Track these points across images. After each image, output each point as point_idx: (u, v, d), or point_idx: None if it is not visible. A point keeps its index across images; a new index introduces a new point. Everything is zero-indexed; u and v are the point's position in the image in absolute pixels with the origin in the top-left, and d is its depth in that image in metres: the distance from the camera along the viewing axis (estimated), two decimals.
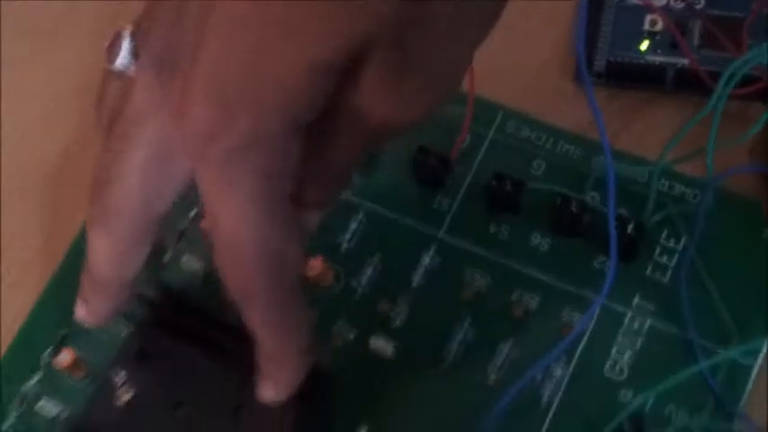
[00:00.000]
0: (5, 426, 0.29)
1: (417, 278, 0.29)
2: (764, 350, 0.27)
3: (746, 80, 0.29)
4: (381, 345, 0.28)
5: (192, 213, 0.31)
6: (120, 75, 0.25)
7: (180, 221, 0.31)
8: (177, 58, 0.23)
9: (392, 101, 0.21)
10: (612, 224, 0.27)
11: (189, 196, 0.28)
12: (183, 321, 0.29)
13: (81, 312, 0.27)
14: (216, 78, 0.21)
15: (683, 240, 0.28)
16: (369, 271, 0.29)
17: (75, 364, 0.30)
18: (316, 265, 0.29)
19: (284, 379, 0.25)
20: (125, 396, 0.28)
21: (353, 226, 0.30)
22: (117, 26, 0.25)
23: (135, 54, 0.25)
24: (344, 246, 0.30)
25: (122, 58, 0.25)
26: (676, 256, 0.28)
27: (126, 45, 0.24)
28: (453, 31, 0.21)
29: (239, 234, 0.22)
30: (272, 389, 0.25)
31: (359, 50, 0.20)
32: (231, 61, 0.21)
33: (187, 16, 0.23)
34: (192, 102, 0.21)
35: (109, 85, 0.25)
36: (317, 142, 0.23)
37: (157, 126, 0.24)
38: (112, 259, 0.25)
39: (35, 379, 0.30)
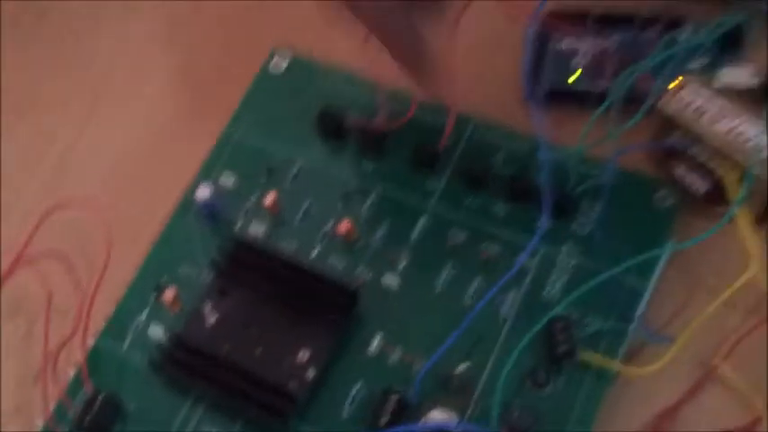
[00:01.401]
0: (125, 345, 0.39)
1: (415, 235, 0.39)
2: (656, 273, 0.37)
3: (634, 97, 0.38)
4: (390, 281, 0.39)
5: (255, 196, 0.41)
6: None
7: (247, 203, 0.41)
8: None
9: None
10: (547, 194, 0.36)
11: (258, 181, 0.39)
12: (252, 262, 0.38)
13: None
14: None
15: (598, 204, 0.38)
16: (381, 231, 0.39)
17: (175, 300, 0.39)
18: (346, 225, 0.39)
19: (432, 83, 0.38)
20: (211, 319, 0.39)
21: (369, 201, 0.40)
22: None
23: None
24: (364, 214, 0.40)
25: None
26: (593, 216, 0.38)
27: None
28: None
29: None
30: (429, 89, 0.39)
31: None
32: None
33: None
34: None
35: None
36: None
37: None
38: None
39: (146, 312, 0.40)
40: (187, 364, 0.37)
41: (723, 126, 0.37)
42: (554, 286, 0.38)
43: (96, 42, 0.48)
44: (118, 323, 0.40)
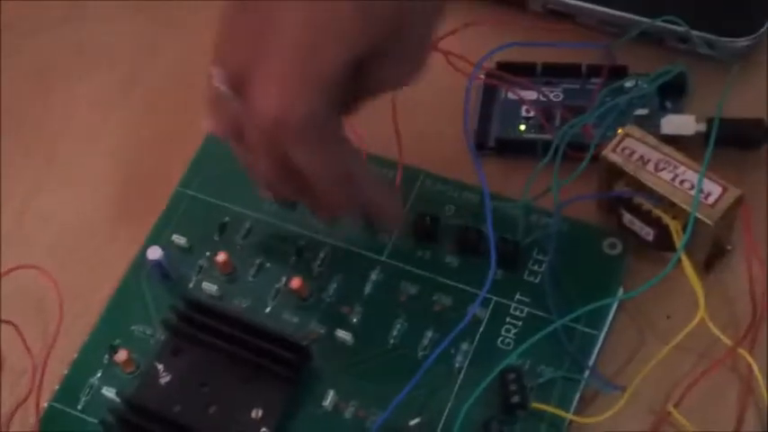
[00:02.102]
0: (79, 407, 0.39)
1: (368, 289, 0.39)
2: (606, 325, 0.38)
3: (580, 146, 0.40)
4: (343, 335, 0.39)
5: (208, 254, 0.41)
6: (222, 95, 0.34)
7: (199, 261, 0.41)
8: (248, 72, 0.32)
9: (400, 74, 0.33)
10: (493, 245, 0.37)
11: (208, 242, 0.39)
12: (204, 321, 0.38)
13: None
14: (281, 78, 0.31)
15: (549, 254, 0.39)
16: (334, 285, 0.40)
17: (128, 360, 0.39)
18: (298, 281, 0.39)
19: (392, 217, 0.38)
20: (164, 379, 0.38)
21: (322, 255, 0.40)
22: None
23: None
24: (316, 269, 0.40)
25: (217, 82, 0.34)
26: (543, 264, 0.39)
27: (216, 73, 0.34)
28: (425, 25, 0.33)
29: (326, 175, 0.34)
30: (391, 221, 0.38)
31: (371, 51, 0.31)
32: (288, 68, 0.31)
33: (248, 35, 0.32)
34: (260, 99, 0.31)
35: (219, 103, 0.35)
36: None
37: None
38: None
39: (99, 373, 0.39)
40: (140, 426, 0.37)
41: (666, 174, 0.37)
42: (506, 336, 0.38)
43: (47, 104, 0.48)
44: (71, 385, 0.39)
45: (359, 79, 0.33)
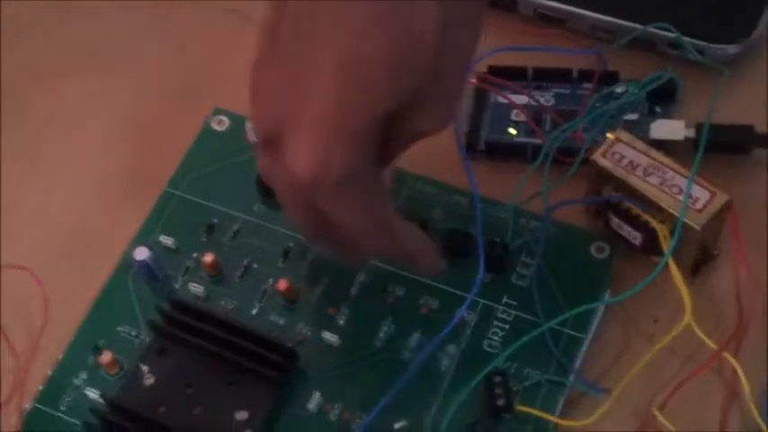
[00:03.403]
0: (62, 408, 0.38)
1: (354, 291, 0.39)
2: (592, 329, 0.38)
3: (570, 150, 0.40)
4: (330, 337, 0.38)
5: (195, 254, 0.41)
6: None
7: (187, 261, 0.41)
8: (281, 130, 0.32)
9: (433, 122, 0.33)
10: (481, 248, 0.37)
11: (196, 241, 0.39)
12: (190, 323, 0.38)
13: None
14: (315, 136, 0.31)
15: (537, 257, 0.39)
16: (321, 287, 0.40)
17: (113, 361, 0.39)
18: (285, 283, 0.39)
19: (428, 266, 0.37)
20: (149, 380, 0.38)
21: (309, 257, 0.40)
22: None
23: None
24: (304, 270, 0.40)
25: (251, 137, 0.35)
26: (531, 268, 0.39)
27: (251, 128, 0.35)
28: (459, 73, 0.33)
29: (366, 233, 0.34)
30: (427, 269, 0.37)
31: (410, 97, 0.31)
32: (323, 128, 0.31)
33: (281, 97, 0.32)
34: (296, 156, 0.32)
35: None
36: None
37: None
38: None
39: (83, 374, 0.39)
40: (123, 428, 0.37)
41: (655, 179, 0.37)
42: (493, 339, 0.38)
43: (34, 103, 0.48)
44: (55, 386, 0.39)
45: (394, 130, 0.33)
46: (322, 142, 0.31)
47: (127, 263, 0.41)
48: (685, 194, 0.37)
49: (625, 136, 0.39)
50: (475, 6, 0.33)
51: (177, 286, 0.40)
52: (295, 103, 0.32)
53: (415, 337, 0.38)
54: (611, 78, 0.43)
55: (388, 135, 0.33)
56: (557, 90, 0.44)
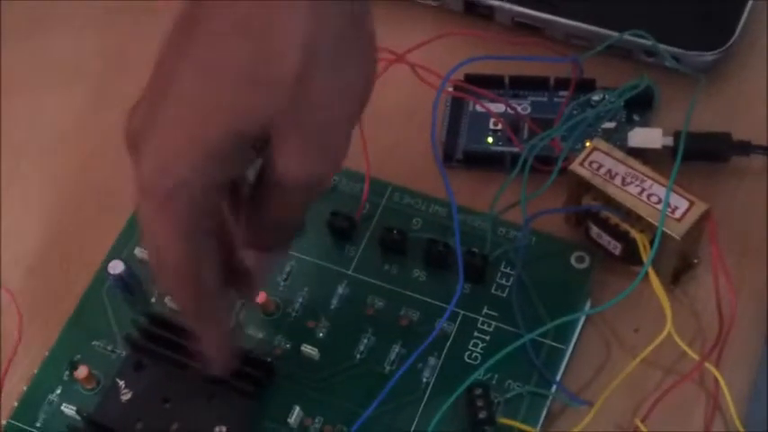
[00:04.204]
0: (38, 424, 0.38)
1: (334, 303, 0.39)
2: (573, 339, 0.38)
3: (548, 159, 0.40)
4: (309, 350, 0.38)
5: None
6: None
7: None
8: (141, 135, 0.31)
9: (299, 165, 0.30)
10: (460, 258, 0.36)
11: None
12: (167, 337, 0.38)
13: None
14: (158, 148, 0.30)
15: (516, 268, 0.39)
16: (299, 300, 0.39)
17: (89, 376, 0.38)
18: (263, 295, 0.39)
19: (214, 361, 0.34)
20: (126, 395, 0.38)
21: (288, 269, 0.40)
22: None
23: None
24: (282, 284, 0.40)
25: None
26: (511, 278, 0.39)
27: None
28: (332, 108, 0.29)
29: (165, 258, 0.31)
30: (211, 366, 0.34)
31: (261, 128, 0.29)
32: (171, 134, 0.29)
33: (148, 103, 0.31)
34: (140, 161, 0.30)
35: None
36: (259, 204, 0.32)
37: None
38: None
39: (59, 390, 0.39)
40: None
41: (634, 188, 0.37)
42: (474, 350, 0.38)
43: (10, 117, 0.47)
44: (30, 402, 0.38)
45: (264, 172, 0.30)
46: (167, 147, 0.30)
47: (102, 277, 0.40)
48: (664, 204, 0.36)
49: (603, 145, 0.39)
50: (362, 40, 0.30)
51: (153, 300, 0.40)
52: (154, 107, 0.30)
53: (396, 350, 0.38)
54: (587, 86, 0.43)
55: (259, 179, 0.31)
56: (534, 98, 0.44)
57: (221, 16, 0.29)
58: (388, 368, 0.37)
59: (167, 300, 0.39)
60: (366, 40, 0.30)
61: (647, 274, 0.36)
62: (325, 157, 0.31)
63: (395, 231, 0.39)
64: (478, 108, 0.43)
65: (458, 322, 0.38)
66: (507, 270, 0.39)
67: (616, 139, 0.41)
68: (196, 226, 0.31)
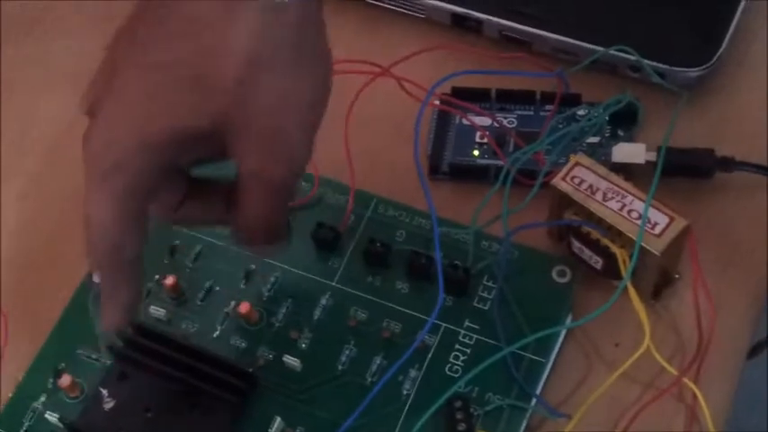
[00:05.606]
0: (22, 430, 0.38)
1: (317, 314, 0.39)
2: (554, 353, 0.38)
3: (532, 173, 0.40)
4: (291, 361, 0.38)
5: (157, 277, 0.41)
6: None
7: (148, 283, 0.40)
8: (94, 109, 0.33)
9: (255, 165, 0.31)
10: (440, 271, 0.36)
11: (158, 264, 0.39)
12: (151, 347, 0.38)
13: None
14: (103, 129, 0.31)
15: (498, 281, 0.39)
16: (283, 310, 0.39)
17: (73, 384, 0.38)
18: (246, 306, 0.39)
19: (111, 323, 0.35)
20: (109, 404, 0.38)
21: (272, 279, 0.40)
22: None
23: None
24: (266, 294, 0.40)
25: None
26: (493, 292, 0.39)
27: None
28: (282, 114, 0.30)
29: (93, 225, 0.32)
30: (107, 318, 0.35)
31: (210, 125, 0.30)
32: (118, 119, 0.31)
33: (102, 80, 0.33)
34: (93, 133, 0.32)
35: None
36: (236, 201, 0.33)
37: None
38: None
39: (43, 398, 0.39)
40: None
41: (615, 204, 0.38)
42: (455, 363, 0.38)
43: (5, 119, 0.47)
44: (15, 409, 0.39)
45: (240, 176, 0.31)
46: (111, 129, 0.31)
47: (86, 285, 0.40)
48: (643, 219, 0.37)
49: (585, 160, 0.39)
50: (310, 49, 0.31)
51: (138, 309, 0.40)
52: (101, 93, 0.32)
53: (378, 361, 0.38)
54: (573, 100, 0.43)
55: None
56: (520, 112, 0.44)
57: (167, 18, 0.30)
58: (369, 380, 0.38)
59: (152, 309, 0.40)
60: (316, 49, 0.31)
61: (626, 288, 0.36)
62: (278, 160, 0.31)
63: (378, 243, 0.40)
64: (465, 121, 0.43)
65: (439, 335, 0.38)
66: (489, 283, 0.39)
67: (600, 153, 0.41)
68: (127, 203, 0.32)
